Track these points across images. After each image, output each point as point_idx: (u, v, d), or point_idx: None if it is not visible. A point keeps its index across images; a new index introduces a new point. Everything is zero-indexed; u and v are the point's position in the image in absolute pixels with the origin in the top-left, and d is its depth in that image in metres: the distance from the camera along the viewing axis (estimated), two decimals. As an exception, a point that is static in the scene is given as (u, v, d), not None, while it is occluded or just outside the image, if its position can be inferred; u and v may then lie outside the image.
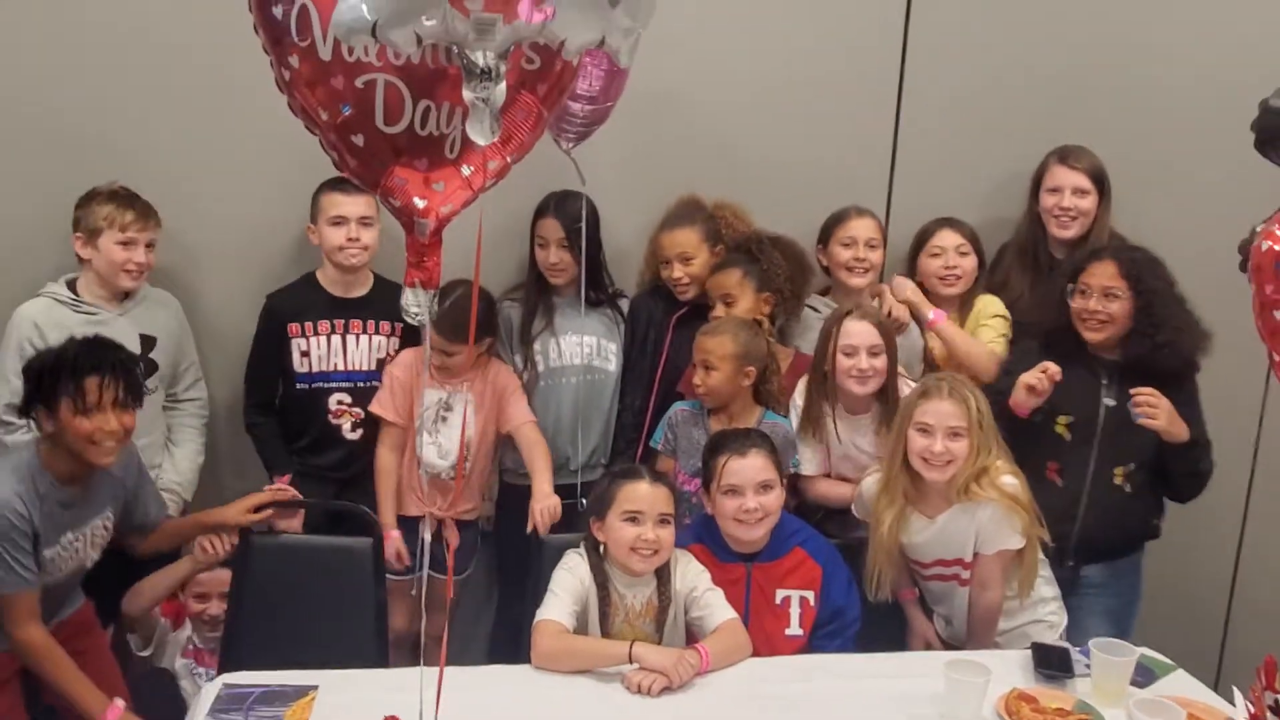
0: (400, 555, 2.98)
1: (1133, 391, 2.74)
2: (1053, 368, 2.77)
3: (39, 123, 3.02)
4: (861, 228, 3.20)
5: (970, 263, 3.22)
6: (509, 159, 1.65)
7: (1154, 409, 2.72)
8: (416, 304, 1.65)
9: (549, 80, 1.67)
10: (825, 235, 3.27)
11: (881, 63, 3.36)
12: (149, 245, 2.93)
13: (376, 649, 2.74)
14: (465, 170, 1.62)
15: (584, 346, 3.17)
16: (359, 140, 1.58)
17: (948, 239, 3.22)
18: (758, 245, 3.09)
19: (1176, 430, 2.75)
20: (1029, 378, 2.78)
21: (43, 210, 3.01)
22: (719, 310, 3.03)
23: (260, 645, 2.63)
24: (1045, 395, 2.78)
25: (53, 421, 2.44)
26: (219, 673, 2.53)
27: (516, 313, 3.18)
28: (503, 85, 1.43)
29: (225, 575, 2.85)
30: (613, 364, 3.21)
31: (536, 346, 3.15)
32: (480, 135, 1.46)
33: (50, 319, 2.85)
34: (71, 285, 2.94)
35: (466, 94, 1.44)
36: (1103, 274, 2.81)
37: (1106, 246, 2.97)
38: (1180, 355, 2.79)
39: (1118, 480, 2.85)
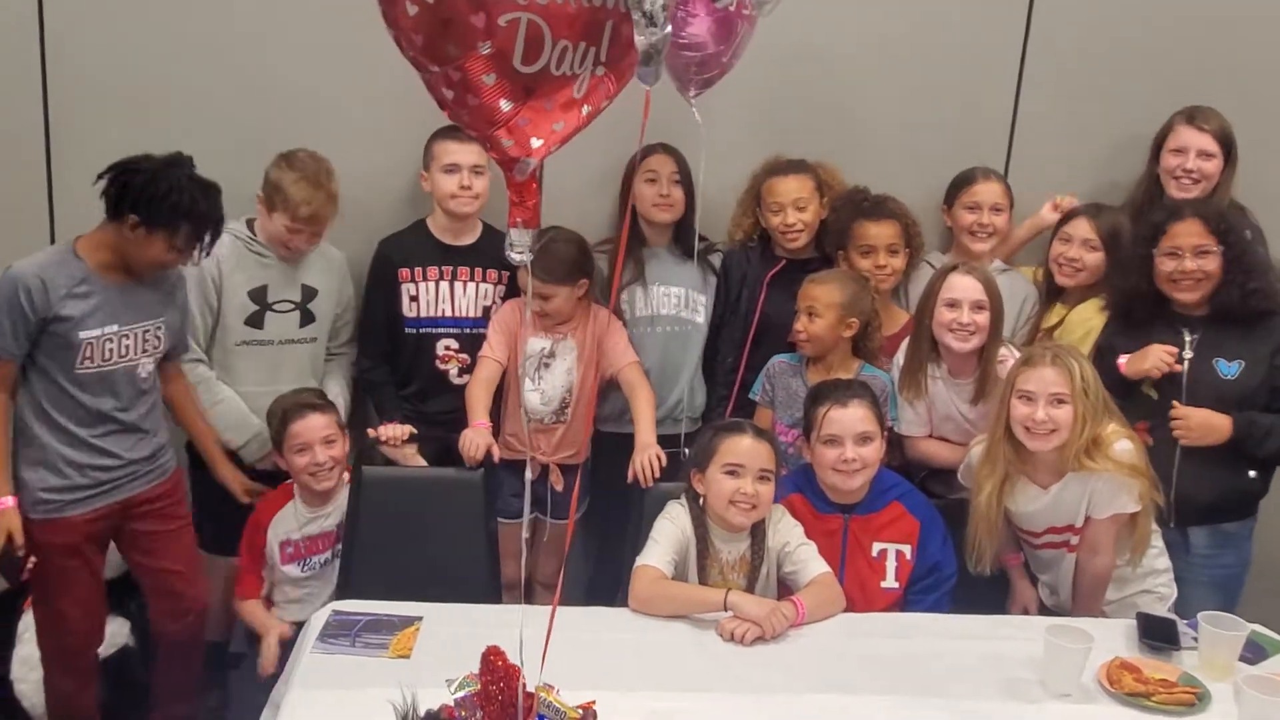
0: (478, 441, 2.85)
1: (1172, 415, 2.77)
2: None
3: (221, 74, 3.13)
4: (987, 192, 3.17)
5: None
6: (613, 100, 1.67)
7: (1184, 428, 2.74)
8: (521, 243, 1.69)
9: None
10: (950, 196, 3.24)
11: (1006, 20, 3.28)
12: (315, 233, 2.99)
13: (489, 585, 2.79)
14: (585, 110, 1.64)
15: (672, 297, 3.17)
16: (489, 80, 1.56)
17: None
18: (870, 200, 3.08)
19: (1214, 436, 2.75)
20: (1160, 360, 2.78)
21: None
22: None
23: (374, 577, 2.70)
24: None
25: (130, 231, 2.57)
26: (336, 597, 2.63)
27: (606, 263, 3.18)
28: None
29: (317, 422, 2.87)
30: (701, 316, 3.19)
31: (625, 296, 3.16)
32: (649, 79, 1.50)
33: (232, 257, 2.98)
34: (251, 224, 3.03)
35: (638, 39, 1.46)
36: (1191, 233, 2.79)
37: (1183, 206, 2.92)
38: (1269, 298, 2.79)
39: None
